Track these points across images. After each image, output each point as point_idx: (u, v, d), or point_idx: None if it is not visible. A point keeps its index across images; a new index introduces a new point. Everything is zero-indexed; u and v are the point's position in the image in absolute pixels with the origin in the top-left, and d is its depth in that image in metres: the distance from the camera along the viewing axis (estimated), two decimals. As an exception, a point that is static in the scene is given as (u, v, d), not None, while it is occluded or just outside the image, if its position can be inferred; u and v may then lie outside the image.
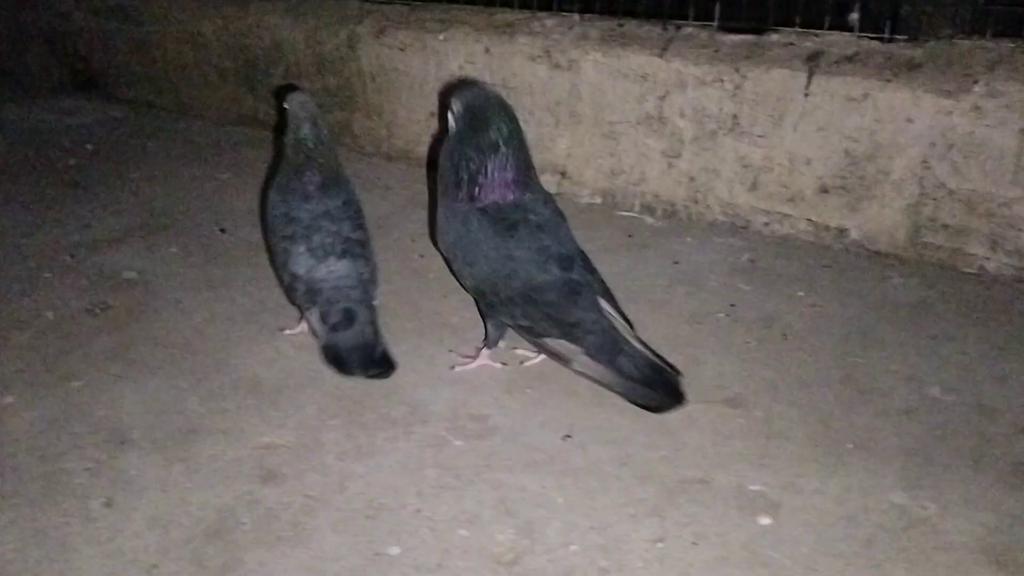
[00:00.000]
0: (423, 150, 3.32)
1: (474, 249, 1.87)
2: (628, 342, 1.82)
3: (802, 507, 1.53)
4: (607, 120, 2.81)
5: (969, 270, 2.34)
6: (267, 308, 2.27)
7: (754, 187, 2.60)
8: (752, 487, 1.58)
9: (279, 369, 1.99)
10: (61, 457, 1.69)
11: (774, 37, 2.57)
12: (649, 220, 2.77)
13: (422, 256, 2.56)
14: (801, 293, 2.28)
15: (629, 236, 2.66)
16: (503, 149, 1.84)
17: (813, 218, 2.53)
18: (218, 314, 2.25)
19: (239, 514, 1.53)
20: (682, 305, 2.23)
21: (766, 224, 2.61)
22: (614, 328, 1.83)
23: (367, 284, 2.03)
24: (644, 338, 1.86)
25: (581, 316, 1.81)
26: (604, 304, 1.86)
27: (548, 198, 1.96)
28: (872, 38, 2.43)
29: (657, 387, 1.78)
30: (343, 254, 2.00)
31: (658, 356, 1.83)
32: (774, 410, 1.80)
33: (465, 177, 1.87)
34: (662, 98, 2.67)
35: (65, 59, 4.68)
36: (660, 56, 2.65)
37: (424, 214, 2.85)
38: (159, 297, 2.35)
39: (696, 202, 2.72)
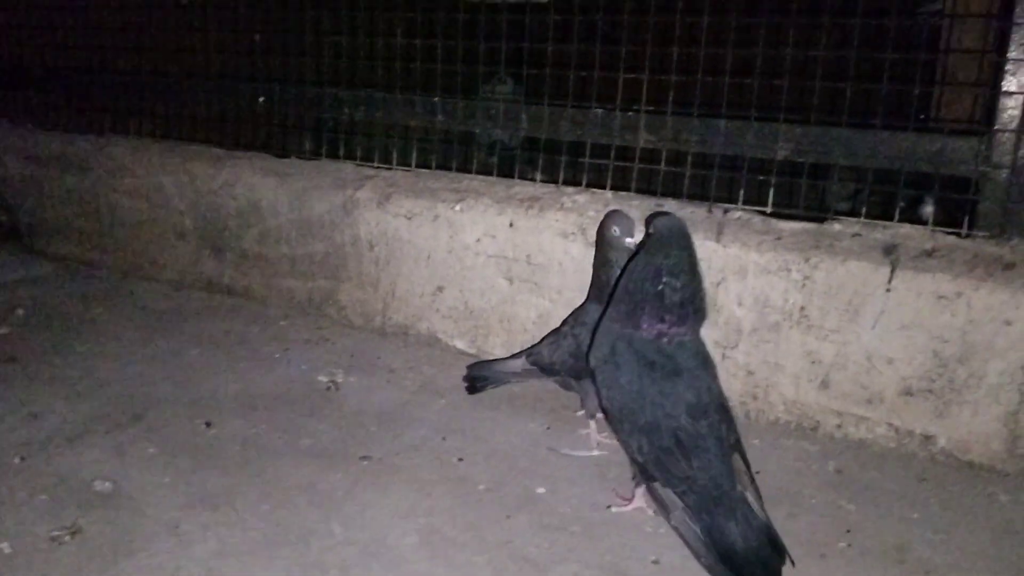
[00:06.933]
0: (425, 326, 2.98)
1: (613, 375, 1.90)
2: (746, 507, 1.75)
3: None
4: (651, 305, 2.56)
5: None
6: (294, 537, 1.81)
7: (825, 385, 2.36)
8: None
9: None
10: None
11: (837, 227, 2.43)
12: (702, 417, 2.48)
13: (460, 460, 2.18)
14: (915, 515, 2.00)
15: (689, 437, 2.36)
16: (666, 279, 1.85)
17: (895, 422, 2.30)
18: (230, 546, 1.77)
19: None
20: (791, 530, 1.90)
21: (838, 426, 2.37)
22: (732, 488, 1.76)
23: None
24: None
25: (691, 473, 1.76)
26: (739, 463, 1.83)
27: (700, 344, 1.94)
28: (948, 232, 2.31)
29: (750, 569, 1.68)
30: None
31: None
32: None
33: (626, 298, 1.90)
34: (717, 284, 2.46)
35: (-15, 207, 4.16)
36: (716, 240, 2.46)
37: (444, 404, 2.49)
38: (146, 517, 1.86)
39: (755, 398, 2.46)
